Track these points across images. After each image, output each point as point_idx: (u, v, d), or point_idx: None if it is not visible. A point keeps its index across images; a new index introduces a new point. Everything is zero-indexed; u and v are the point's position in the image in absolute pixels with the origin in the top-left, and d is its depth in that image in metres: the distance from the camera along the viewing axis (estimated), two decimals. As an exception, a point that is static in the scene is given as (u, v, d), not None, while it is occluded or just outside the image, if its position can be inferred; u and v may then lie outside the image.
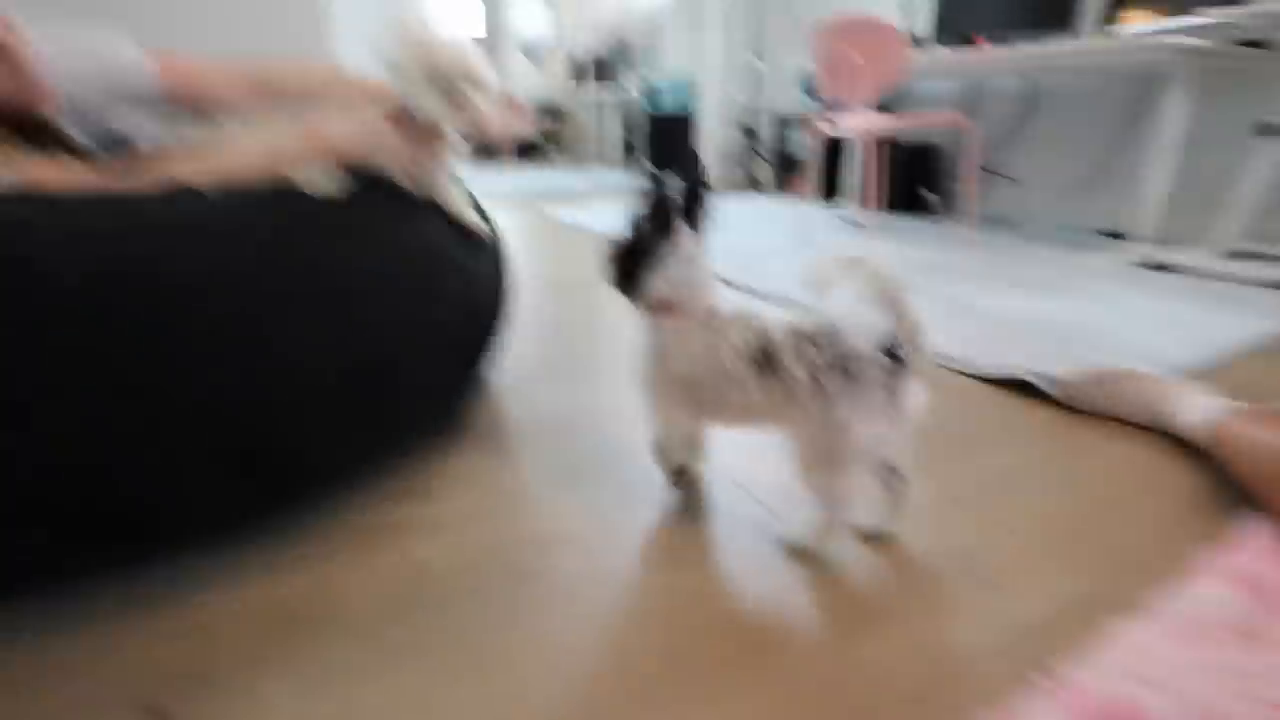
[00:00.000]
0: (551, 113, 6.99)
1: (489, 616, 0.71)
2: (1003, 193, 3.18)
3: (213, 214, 0.74)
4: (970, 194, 2.73)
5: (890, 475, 0.82)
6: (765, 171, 4.33)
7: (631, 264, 0.80)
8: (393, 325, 0.83)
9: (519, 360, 1.35)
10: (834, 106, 2.70)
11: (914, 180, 3.37)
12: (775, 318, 0.77)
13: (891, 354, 0.71)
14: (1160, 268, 2.22)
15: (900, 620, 0.70)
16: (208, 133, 1.03)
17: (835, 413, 0.71)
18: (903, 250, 2.54)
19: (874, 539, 0.83)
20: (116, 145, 1.02)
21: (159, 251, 0.67)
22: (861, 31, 2.37)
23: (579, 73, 6.21)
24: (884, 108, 3.32)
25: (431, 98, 0.88)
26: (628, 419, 1.13)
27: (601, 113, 6.14)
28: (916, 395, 0.75)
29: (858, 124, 2.56)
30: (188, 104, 1.03)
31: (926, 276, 2.12)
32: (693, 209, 0.80)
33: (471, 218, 1.07)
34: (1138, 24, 2.35)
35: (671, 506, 0.91)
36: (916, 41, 3.13)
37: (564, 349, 1.49)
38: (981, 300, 1.83)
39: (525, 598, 0.73)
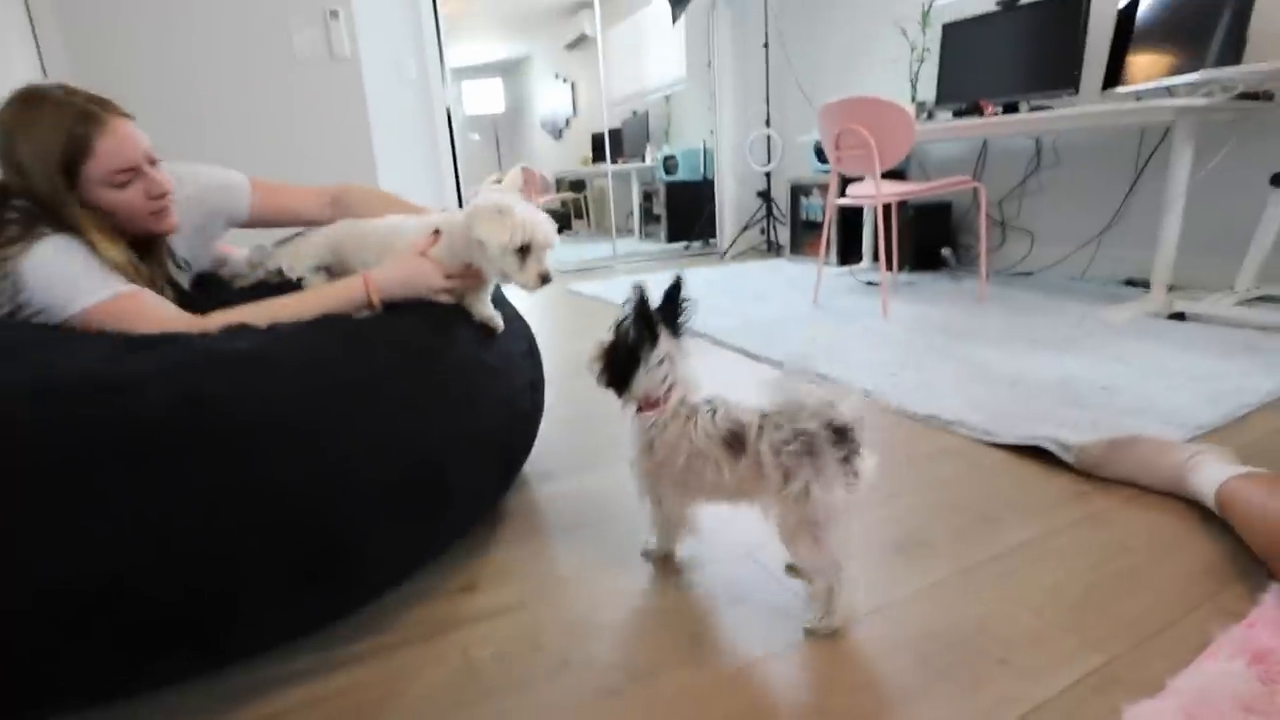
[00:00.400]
0: (573, 185, 7.29)
1: (535, 707, 0.77)
2: (1019, 246, 3.24)
3: (272, 346, 0.86)
4: (984, 252, 2.80)
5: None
6: (783, 235, 4.46)
7: (618, 366, 0.92)
8: (439, 434, 0.92)
9: (551, 448, 1.44)
10: (844, 176, 2.82)
11: (930, 238, 3.46)
12: (744, 404, 0.89)
13: (842, 432, 0.80)
14: (1179, 317, 2.24)
15: (916, 700, 0.74)
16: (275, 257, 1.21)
17: (799, 484, 0.80)
18: (919, 310, 2.60)
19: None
20: (210, 263, 1.28)
21: (230, 383, 0.78)
22: (867, 110, 2.49)
23: (598, 145, 6.49)
24: (896, 171, 3.44)
25: (513, 264, 1.02)
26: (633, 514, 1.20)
27: (621, 183, 6.39)
28: (867, 463, 0.82)
29: (868, 193, 2.67)
30: (272, 221, 1.27)
31: (944, 338, 2.17)
32: (673, 317, 0.92)
33: (494, 320, 1.17)
34: (1141, 81, 2.44)
35: (702, 591, 0.96)
36: (924, 108, 3.27)
37: (592, 435, 1.57)
38: (999, 362, 1.88)
39: (566, 688, 0.79)
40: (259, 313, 0.96)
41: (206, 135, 2.89)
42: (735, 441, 0.86)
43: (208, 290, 1.21)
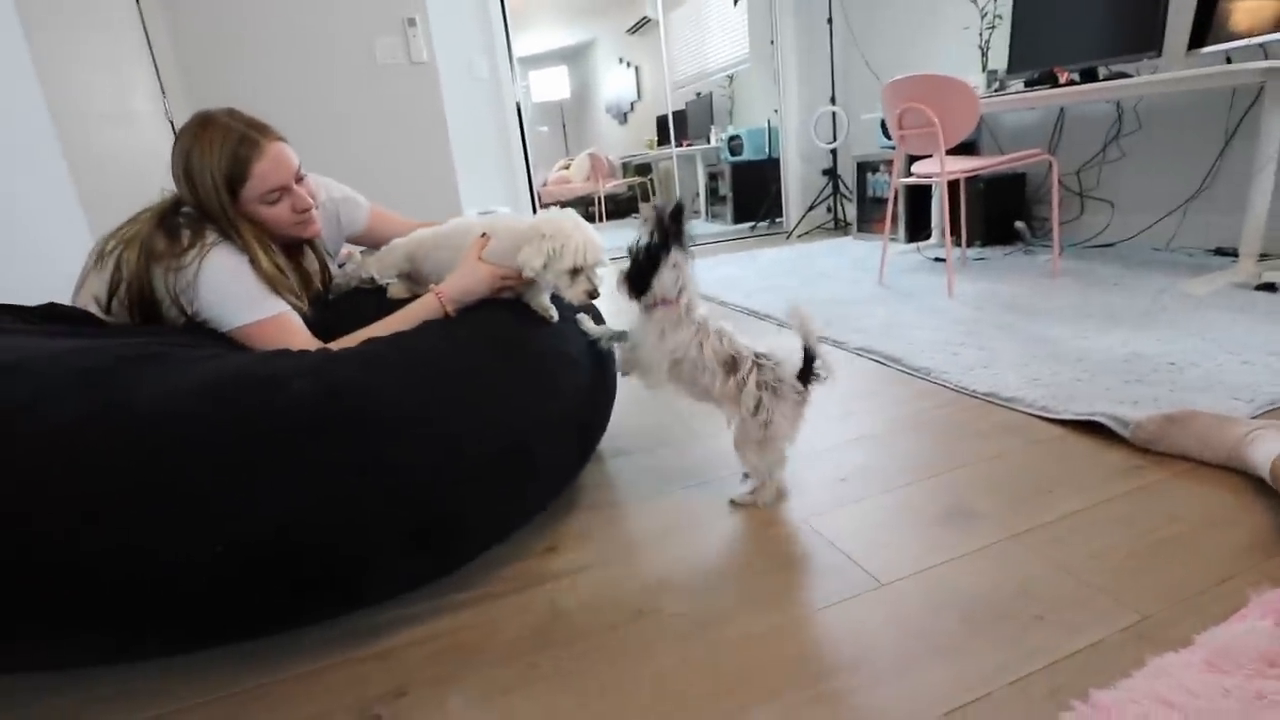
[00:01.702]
0: (638, 168, 7.38)
1: (614, 648, 0.89)
2: (1099, 216, 3.14)
3: (386, 348, 1.02)
4: (1056, 226, 2.73)
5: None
6: (850, 213, 4.43)
7: (639, 274, 1.14)
8: (526, 415, 1.05)
9: (623, 428, 1.56)
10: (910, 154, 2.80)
11: (1003, 210, 3.38)
12: (742, 340, 1.15)
13: (804, 381, 1.12)
14: (1269, 288, 2.16)
15: (956, 651, 0.83)
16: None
17: (764, 415, 1.11)
18: (988, 287, 2.58)
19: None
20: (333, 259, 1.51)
21: (357, 377, 0.93)
22: (930, 88, 2.48)
23: (663, 128, 6.55)
24: (967, 141, 3.37)
25: (563, 282, 1.15)
26: (718, 479, 1.31)
27: (687, 165, 6.43)
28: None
29: (933, 171, 2.65)
30: (376, 244, 1.47)
31: (1011, 315, 2.17)
32: (679, 232, 1.13)
33: (549, 311, 1.27)
34: (1230, 39, 2.32)
35: (764, 553, 1.07)
36: (995, 77, 3.19)
37: (660, 415, 1.68)
38: (1066, 339, 1.87)
39: (641, 633, 0.92)
40: (361, 337, 1.12)
41: (298, 140, 3.14)
42: (731, 365, 1.13)
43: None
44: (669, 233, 1.12)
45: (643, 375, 1.22)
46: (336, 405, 0.87)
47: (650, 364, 1.19)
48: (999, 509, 1.12)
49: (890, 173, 3.22)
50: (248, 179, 1.13)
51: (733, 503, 1.21)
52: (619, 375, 1.29)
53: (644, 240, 1.13)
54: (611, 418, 1.44)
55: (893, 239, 3.71)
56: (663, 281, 1.13)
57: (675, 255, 1.13)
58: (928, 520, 1.12)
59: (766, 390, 1.11)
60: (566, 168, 7.20)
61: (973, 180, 3.26)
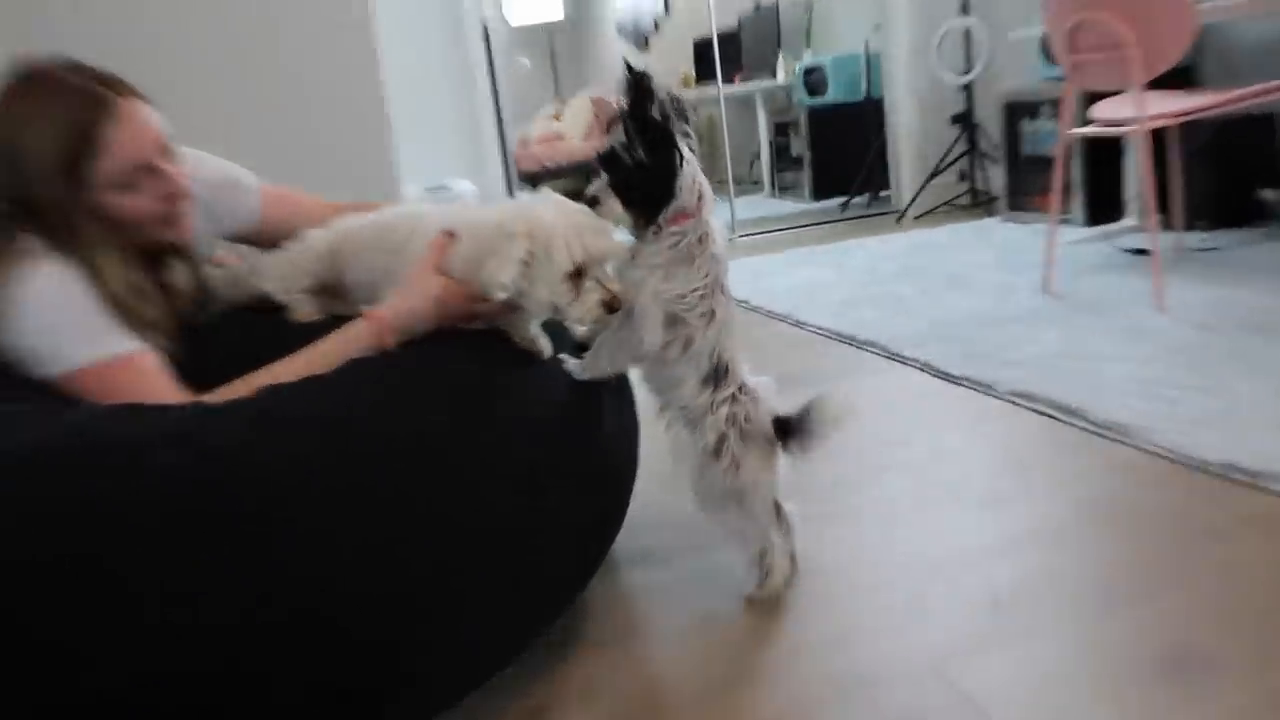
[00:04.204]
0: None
1: None
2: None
3: (287, 401, 1.03)
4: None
5: (778, 511, 1.31)
6: (995, 182, 4.43)
7: (654, 185, 1.14)
8: (500, 507, 1.06)
9: (646, 518, 1.55)
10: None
11: (1239, 175, 3.36)
12: (739, 358, 1.25)
13: (782, 431, 1.24)
14: None
15: None
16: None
17: (727, 457, 1.20)
18: (1220, 294, 2.55)
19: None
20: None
21: (246, 447, 0.94)
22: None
23: (704, 57, 6.64)
24: (1179, 69, 3.36)
25: (563, 296, 1.12)
26: (790, 599, 1.29)
27: (741, 112, 6.50)
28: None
29: (1129, 114, 2.65)
30: (275, 238, 1.47)
31: (1259, 338, 2.15)
32: (667, 114, 1.12)
33: (538, 344, 1.28)
34: None
35: (865, 723, 1.05)
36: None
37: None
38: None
39: None
40: (256, 383, 1.11)
41: (156, 91, 3.18)
42: (715, 377, 1.21)
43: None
44: (663, 125, 1.11)
45: (624, 339, 1.21)
46: (219, 487, 0.88)
47: (641, 315, 1.17)
48: (1246, 654, 1.09)
49: (1059, 119, 3.22)
50: (96, 155, 1.15)
51: (748, 599, 1.30)
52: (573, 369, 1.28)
53: (635, 124, 1.12)
54: (631, 504, 1.44)
55: (1065, 221, 3.69)
56: (684, 181, 1.15)
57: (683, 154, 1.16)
58: (1133, 672, 1.09)
59: (734, 428, 1.20)
60: (558, 118, 7.31)
61: (1191, 128, 3.23)
